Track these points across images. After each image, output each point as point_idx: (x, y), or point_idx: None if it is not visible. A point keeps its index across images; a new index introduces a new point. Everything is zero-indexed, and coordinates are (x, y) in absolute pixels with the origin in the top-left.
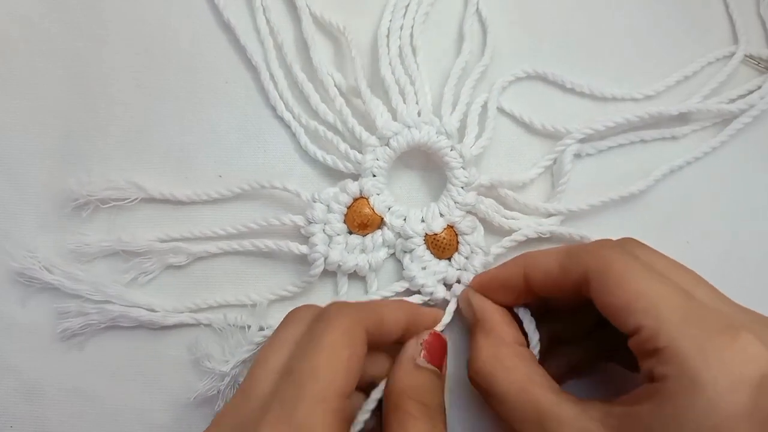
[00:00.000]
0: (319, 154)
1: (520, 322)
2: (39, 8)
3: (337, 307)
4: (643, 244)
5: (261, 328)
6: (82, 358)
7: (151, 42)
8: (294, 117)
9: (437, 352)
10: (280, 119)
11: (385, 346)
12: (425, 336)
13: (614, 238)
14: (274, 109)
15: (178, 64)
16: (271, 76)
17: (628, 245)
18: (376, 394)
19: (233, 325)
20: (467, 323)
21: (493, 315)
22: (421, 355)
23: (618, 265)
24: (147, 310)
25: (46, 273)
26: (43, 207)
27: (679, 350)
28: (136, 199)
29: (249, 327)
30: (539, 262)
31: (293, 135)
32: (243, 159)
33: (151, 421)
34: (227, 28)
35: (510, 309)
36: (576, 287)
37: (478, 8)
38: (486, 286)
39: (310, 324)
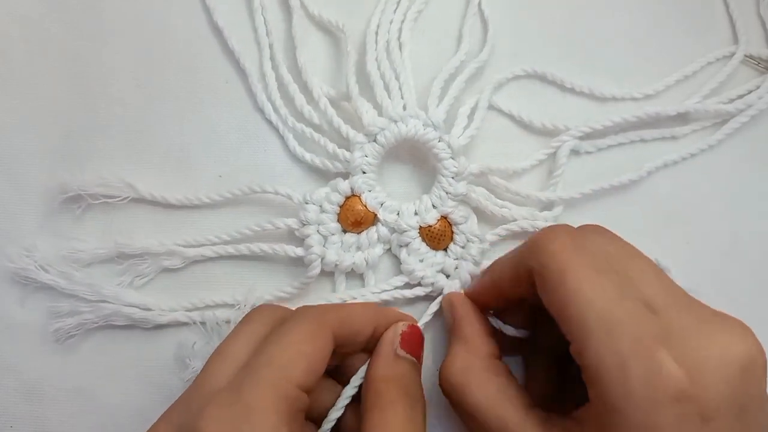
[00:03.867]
0: (308, 156)
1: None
2: (39, 8)
3: (303, 309)
4: (604, 231)
5: None
6: (82, 358)
7: (151, 42)
8: (281, 119)
9: (415, 343)
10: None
11: (355, 348)
12: (403, 327)
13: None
14: (263, 112)
15: (178, 64)
16: (263, 79)
17: (581, 234)
18: (355, 382)
19: (225, 323)
20: (447, 325)
21: (472, 324)
22: (399, 345)
23: (558, 262)
24: (141, 309)
25: (42, 273)
26: (43, 207)
27: (600, 371)
28: (126, 197)
29: None
30: (497, 267)
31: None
32: (243, 159)
33: (151, 420)
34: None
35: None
36: (533, 288)
37: (480, 7)
38: (476, 294)
39: (274, 326)
